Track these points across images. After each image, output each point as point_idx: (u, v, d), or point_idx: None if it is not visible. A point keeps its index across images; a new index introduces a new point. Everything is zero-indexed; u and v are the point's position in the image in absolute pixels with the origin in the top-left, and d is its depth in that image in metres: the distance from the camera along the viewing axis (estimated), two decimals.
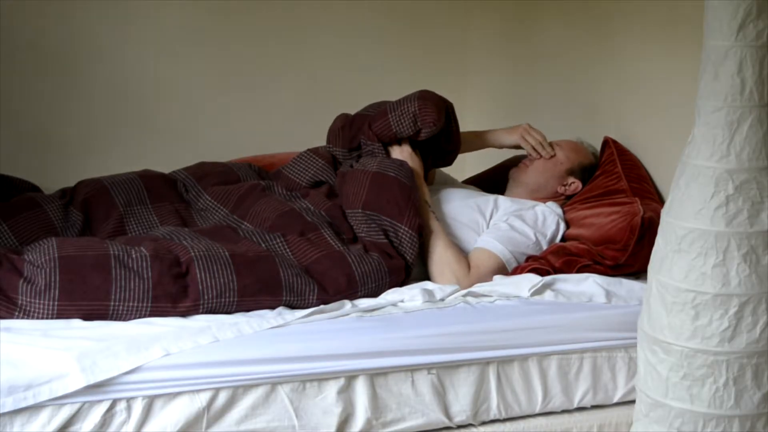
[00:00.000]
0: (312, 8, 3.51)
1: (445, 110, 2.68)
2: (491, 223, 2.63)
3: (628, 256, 2.47)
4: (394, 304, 2.28)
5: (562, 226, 2.66)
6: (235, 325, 2.09)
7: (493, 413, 2.21)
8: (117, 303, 2.12)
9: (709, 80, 1.88)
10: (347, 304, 2.28)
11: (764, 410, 1.92)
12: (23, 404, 1.86)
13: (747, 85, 1.84)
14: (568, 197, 2.81)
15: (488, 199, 2.70)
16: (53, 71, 3.25)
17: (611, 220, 2.56)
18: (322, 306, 2.24)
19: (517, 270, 2.49)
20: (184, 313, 2.16)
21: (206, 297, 2.17)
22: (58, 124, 3.28)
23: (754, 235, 1.88)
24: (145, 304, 2.13)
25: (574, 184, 2.80)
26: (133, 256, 2.18)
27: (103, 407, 1.92)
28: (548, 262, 2.48)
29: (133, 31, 3.32)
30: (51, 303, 2.07)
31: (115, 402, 1.93)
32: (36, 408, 1.88)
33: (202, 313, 2.18)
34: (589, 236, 2.58)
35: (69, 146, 3.29)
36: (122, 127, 3.36)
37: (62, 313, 2.08)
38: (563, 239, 2.65)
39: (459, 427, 2.20)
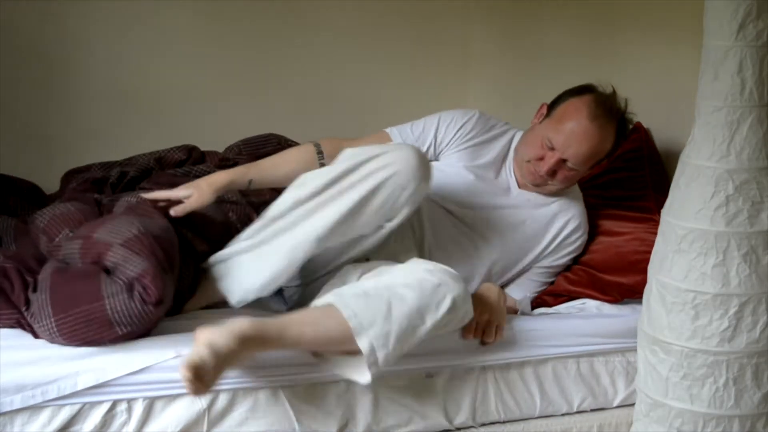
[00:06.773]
0: (312, 7, 3.51)
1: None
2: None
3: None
4: None
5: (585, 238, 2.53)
6: None
7: (493, 417, 2.22)
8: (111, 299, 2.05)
9: (709, 80, 1.88)
10: None
11: (764, 410, 1.93)
12: (31, 402, 1.86)
13: (747, 85, 1.84)
14: None
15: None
16: (53, 71, 3.24)
17: (630, 240, 2.45)
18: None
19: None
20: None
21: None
22: (57, 124, 3.28)
23: (754, 235, 1.88)
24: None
25: None
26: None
27: (103, 408, 1.92)
28: (545, 303, 2.45)
29: (132, 31, 3.31)
30: (49, 321, 1.95)
31: (115, 403, 1.93)
32: (36, 408, 1.88)
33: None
34: (600, 259, 2.45)
35: (69, 146, 3.28)
36: (122, 127, 3.35)
37: (62, 327, 1.94)
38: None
39: (459, 429, 2.20)
